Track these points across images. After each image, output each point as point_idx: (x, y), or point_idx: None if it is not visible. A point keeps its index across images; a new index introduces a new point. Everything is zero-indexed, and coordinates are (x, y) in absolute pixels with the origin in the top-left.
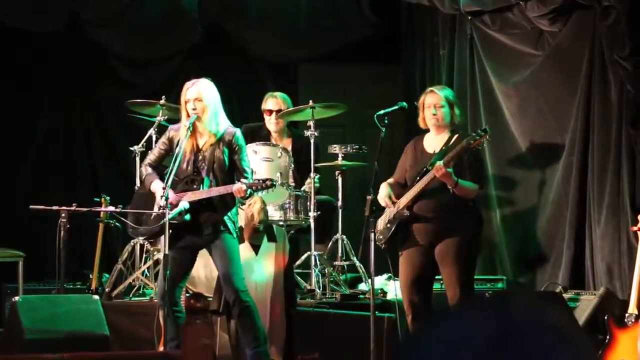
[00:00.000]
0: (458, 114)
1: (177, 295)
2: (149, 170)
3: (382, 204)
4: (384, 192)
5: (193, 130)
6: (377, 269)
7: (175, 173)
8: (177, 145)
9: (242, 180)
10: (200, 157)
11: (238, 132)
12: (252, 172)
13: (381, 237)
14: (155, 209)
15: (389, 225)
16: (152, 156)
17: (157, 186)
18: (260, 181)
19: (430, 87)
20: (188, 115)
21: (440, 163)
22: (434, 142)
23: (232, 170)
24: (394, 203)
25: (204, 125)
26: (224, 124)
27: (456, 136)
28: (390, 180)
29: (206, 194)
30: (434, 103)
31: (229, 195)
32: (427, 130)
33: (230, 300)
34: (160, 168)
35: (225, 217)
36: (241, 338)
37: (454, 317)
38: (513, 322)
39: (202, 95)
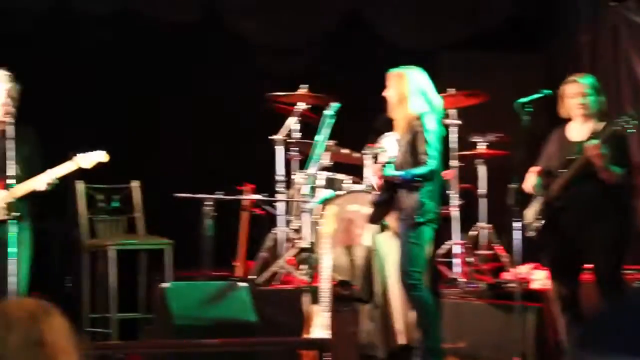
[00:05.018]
0: (604, 100)
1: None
2: None
3: (531, 192)
4: (531, 181)
5: None
6: (521, 258)
7: None
8: None
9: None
10: (400, 144)
11: (424, 116)
12: (435, 156)
13: (531, 226)
14: None
15: (539, 215)
16: None
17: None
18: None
19: (572, 76)
20: None
21: (593, 143)
22: (579, 130)
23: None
24: (542, 192)
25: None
26: (412, 111)
27: (605, 123)
28: (536, 168)
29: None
30: (579, 92)
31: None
32: (569, 119)
33: None
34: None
35: (412, 204)
36: None
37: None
38: None
39: (389, 86)
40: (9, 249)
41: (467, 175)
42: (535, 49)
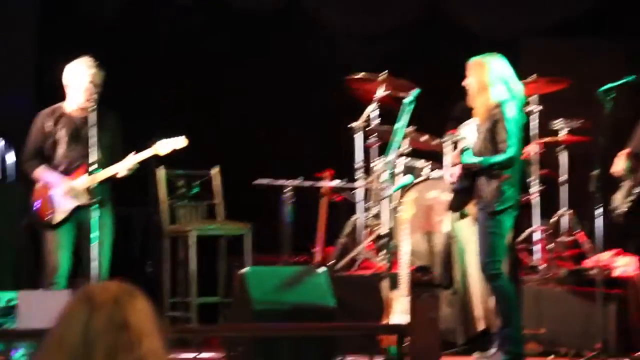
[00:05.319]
0: None
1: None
2: None
3: (620, 175)
4: (620, 164)
5: None
6: (603, 244)
7: None
8: None
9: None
10: (480, 132)
11: (505, 104)
12: (515, 143)
13: (619, 211)
14: None
15: (627, 200)
16: None
17: None
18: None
19: None
20: None
21: None
22: None
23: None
24: (630, 175)
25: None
26: (492, 99)
27: None
28: (626, 151)
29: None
30: None
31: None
32: None
33: None
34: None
35: (491, 192)
36: None
37: None
38: None
39: (469, 74)
40: (91, 234)
41: (549, 161)
42: (617, 35)
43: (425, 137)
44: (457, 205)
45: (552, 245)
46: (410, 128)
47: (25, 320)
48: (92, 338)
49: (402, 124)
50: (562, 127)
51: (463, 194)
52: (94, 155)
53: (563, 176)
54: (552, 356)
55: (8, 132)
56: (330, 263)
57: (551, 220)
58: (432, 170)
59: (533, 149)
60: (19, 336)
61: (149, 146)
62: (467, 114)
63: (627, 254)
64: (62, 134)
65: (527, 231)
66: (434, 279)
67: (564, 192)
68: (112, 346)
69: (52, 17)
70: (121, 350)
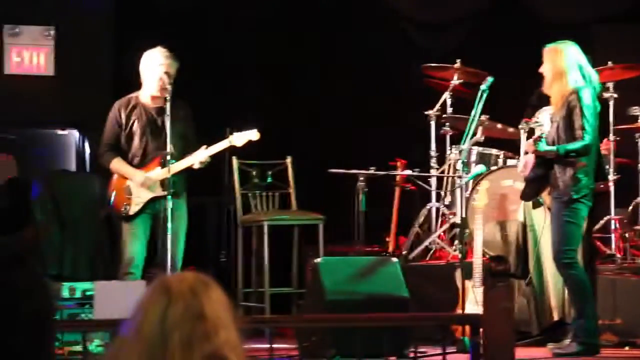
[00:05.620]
0: None
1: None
2: None
3: None
4: None
5: None
6: None
7: None
8: None
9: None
10: (554, 120)
11: (581, 91)
12: (590, 131)
13: None
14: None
15: None
16: None
17: None
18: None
19: None
20: None
21: None
22: None
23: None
24: None
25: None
26: (569, 85)
27: None
28: None
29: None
30: None
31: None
32: None
33: None
34: None
35: (567, 180)
36: None
37: None
38: None
39: (545, 61)
40: (166, 224)
41: (627, 149)
42: None
43: (500, 126)
44: (530, 194)
45: (628, 234)
46: (484, 117)
47: (101, 311)
48: (169, 328)
49: (476, 112)
50: (639, 114)
51: (537, 183)
52: (168, 146)
53: None
54: (628, 347)
55: (84, 124)
56: (403, 253)
57: (628, 209)
58: (506, 158)
59: (608, 141)
60: (95, 326)
61: (223, 138)
62: (545, 101)
63: None
64: (137, 125)
65: (604, 220)
66: (508, 269)
67: None
68: (188, 336)
69: (129, 10)
70: (197, 341)
